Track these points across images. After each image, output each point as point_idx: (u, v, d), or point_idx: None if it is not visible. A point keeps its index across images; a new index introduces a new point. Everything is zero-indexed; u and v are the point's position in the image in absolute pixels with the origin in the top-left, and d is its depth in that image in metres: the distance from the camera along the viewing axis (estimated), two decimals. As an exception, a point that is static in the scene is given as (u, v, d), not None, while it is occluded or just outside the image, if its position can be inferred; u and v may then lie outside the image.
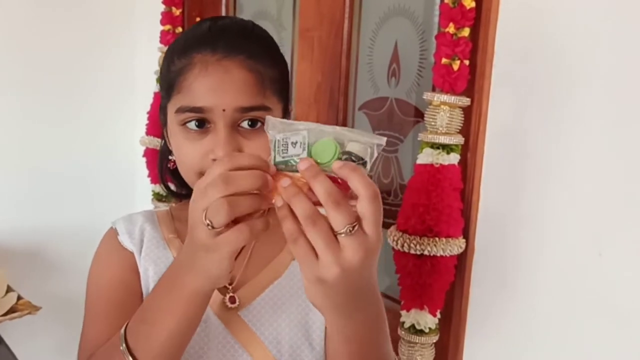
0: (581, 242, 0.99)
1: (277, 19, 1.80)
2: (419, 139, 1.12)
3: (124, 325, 0.73)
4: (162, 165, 0.95)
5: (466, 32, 1.05)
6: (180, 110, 0.80)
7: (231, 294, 0.86)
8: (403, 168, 1.43)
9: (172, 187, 0.97)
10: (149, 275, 0.87)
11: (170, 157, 0.90)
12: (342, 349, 0.70)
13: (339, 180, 0.57)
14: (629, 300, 0.94)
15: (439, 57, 1.07)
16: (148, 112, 1.86)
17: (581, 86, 0.97)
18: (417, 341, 1.13)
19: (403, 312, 1.15)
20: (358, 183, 0.55)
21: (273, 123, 0.60)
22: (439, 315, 1.14)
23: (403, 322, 1.15)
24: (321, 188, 0.55)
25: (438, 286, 1.11)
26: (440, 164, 1.08)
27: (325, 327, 0.85)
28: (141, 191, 2.23)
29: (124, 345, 0.71)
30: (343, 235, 0.55)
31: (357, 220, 0.55)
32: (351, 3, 1.50)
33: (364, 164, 0.58)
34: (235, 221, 0.60)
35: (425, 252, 1.08)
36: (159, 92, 1.80)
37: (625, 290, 0.94)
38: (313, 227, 0.55)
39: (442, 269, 1.10)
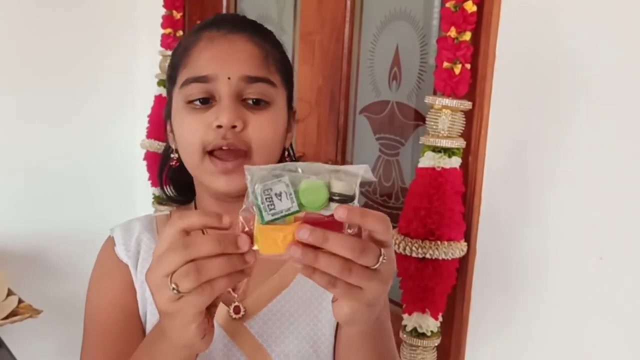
0: (582, 245, 0.99)
1: (278, 23, 1.80)
2: (420, 142, 1.12)
3: None
4: (162, 168, 0.93)
5: (467, 36, 1.05)
6: (186, 82, 0.80)
7: (236, 304, 0.83)
8: (404, 171, 1.43)
9: (170, 192, 0.95)
10: (146, 288, 0.85)
11: (172, 156, 0.88)
12: (361, 346, 0.73)
13: (327, 218, 0.55)
14: (630, 304, 0.94)
15: (440, 61, 1.07)
16: (149, 116, 1.86)
17: (582, 89, 0.98)
18: (419, 344, 1.13)
19: (405, 316, 1.15)
20: (374, 223, 0.55)
21: (252, 171, 0.55)
22: (440, 319, 1.14)
23: (405, 326, 1.15)
24: (344, 247, 0.54)
25: (440, 289, 1.12)
26: (442, 168, 1.09)
27: (336, 337, 0.85)
28: (141, 193, 2.23)
29: None
30: (378, 265, 0.55)
31: (380, 245, 0.56)
32: (352, 7, 1.51)
33: (352, 198, 0.56)
34: None
35: (427, 256, 1.08)
36: (159, 95, 1.83)
37: (626, 294, 0.94)
38: (350, 274, 0.54)
39: (443, 272, 1.10)
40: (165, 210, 1.85)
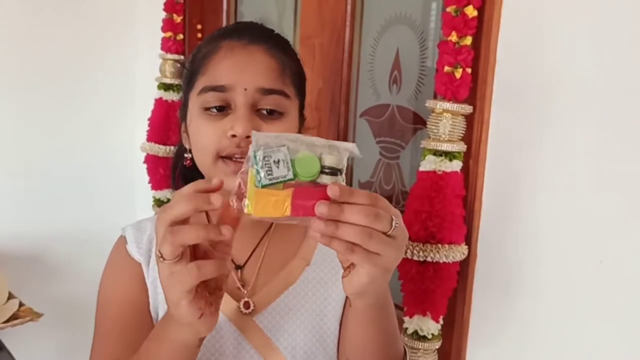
0: (582, 249, 1.00)
1: (278, 26, 1.81)
2: (421, 146, 1.12)
3: None
4: (175, 167, 0.96)
5: (468, 40, 1.06)
6: (204, 90, 0.83)
7: (246, 299, 0.87)
8: (404, 174, 1.43)
9: None
10: (158, 285, 0.87)
11: (185, 156, 0.91)
12: (367, 322, 0.75)
13: (317, 188, 0.59)
14: (630, 308, 0.94)
15: (441, 65, 1.07)
16: (149, 119, 1.86)
17: (582, 94, 0.98)
18: (420, 347, 1.14)
19: (406, 319, 1.15)
20: (362, 200, 0.59)
21: (257, 136, 0.60)
22: (441, 321, 1.15)
23: (406, 329, 1.15)
24: (359, 214, 0.58)
25: (441, 292, 1.12)
26: (443, 171, 1.09)
27: (341, 324, 0.89)
28: (141, 195, 2.23)
29: None
30: (392, 231, 0.59)
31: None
32: (352, 10, 1.51)
33: (341, 172, 0.61)
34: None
35: (428, 259, 1.08)
36: (159, 99, 1.83)
37: (626, 298, 0.95)
38: (370, 239, 0.58)
39: (444, 275, 1.11)
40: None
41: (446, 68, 1.07)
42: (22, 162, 2.16)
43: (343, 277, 0.65)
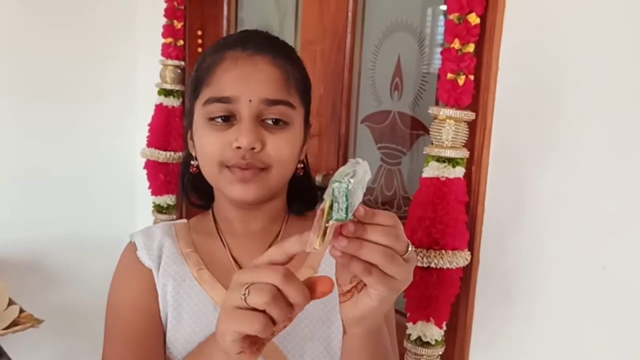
0: (585, 254, 1.00)
1: (280, 32, 1.81)
2: (424, 152, 1.13)
3: None
4: (184, 175, 0.96)
5: (471, 47, 1.07)
6: (209, 101, 0.83)
7: None
8: (406, 180, 1.44)
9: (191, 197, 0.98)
10: (167, 291, 0.87)
11: (192, 163, 0.91)
12: (363, 346, 0.74)
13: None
14: (633, 313, 0.95)
15: (444, 72, 1.08)
16: (149, 125, 1.86)
17: (584, 100, 0.99)
18: (423, 353, 1.14)
19: (409, 325, 1.15)
20: (384, 221, 0.60)
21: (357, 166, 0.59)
22: (444, 327, 1.15)
23: (409, 335, 1.15)
24: (383, 235, 0.59)
25: (444, 298, 1.12)
26: (446, 177, 1.10)
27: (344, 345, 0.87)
28: (141, 201, 2.23)
29: None
30: (407, 254, 0.61)
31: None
32: (354, 17, 1.52)
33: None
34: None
35: (432, 265, 1.09)
36: (160, 104, 1.83)
37: (628, 303, 0.95)
38: (392, 261, 0.59)
39: (447, 281, 1.11)
40: (166, 219, 1.87)
41: (449, 75, 1.07)
42: (23, 168, 2.16)
43: (342, 302, 0.65)
